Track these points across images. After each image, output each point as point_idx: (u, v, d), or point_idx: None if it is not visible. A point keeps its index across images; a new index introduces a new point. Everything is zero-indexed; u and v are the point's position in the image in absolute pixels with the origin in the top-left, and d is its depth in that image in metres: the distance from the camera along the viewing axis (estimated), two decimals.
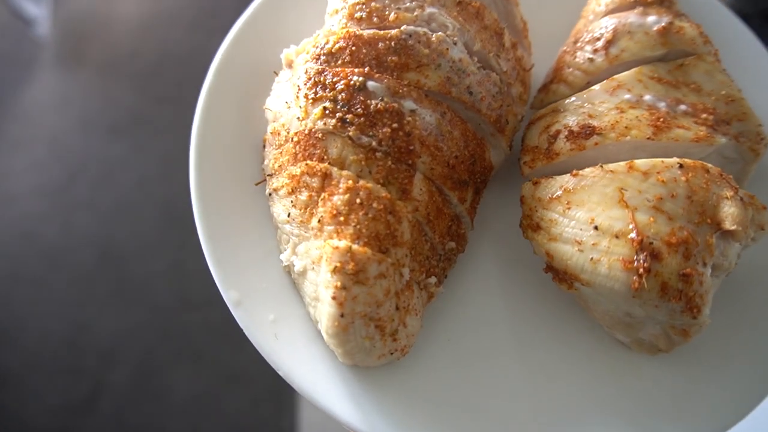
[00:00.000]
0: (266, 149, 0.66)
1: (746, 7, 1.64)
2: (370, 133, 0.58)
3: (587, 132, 0.60)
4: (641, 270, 0.51)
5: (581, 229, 0.55)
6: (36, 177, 2.40)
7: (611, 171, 0.56)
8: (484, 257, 0.67)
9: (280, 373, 0.57)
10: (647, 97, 0.61)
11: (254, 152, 0.69)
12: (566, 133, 0.61)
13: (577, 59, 0.67)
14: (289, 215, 0.60)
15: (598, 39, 0.66)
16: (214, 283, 0.60)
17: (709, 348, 0.60)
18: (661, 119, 0.59)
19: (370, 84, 0.59)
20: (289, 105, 0.63)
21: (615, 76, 0.63)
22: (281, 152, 0.62)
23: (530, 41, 0.71)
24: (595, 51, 0.66)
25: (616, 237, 0.53)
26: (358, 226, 0.55)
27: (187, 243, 2.25)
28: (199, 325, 2.15)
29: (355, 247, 0.54)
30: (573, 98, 0.64)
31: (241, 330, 0.58)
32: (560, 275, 0.58)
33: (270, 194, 0.64)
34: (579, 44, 0.68)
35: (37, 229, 2.31)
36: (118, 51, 2.63)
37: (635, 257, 0.51)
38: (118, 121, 2.47)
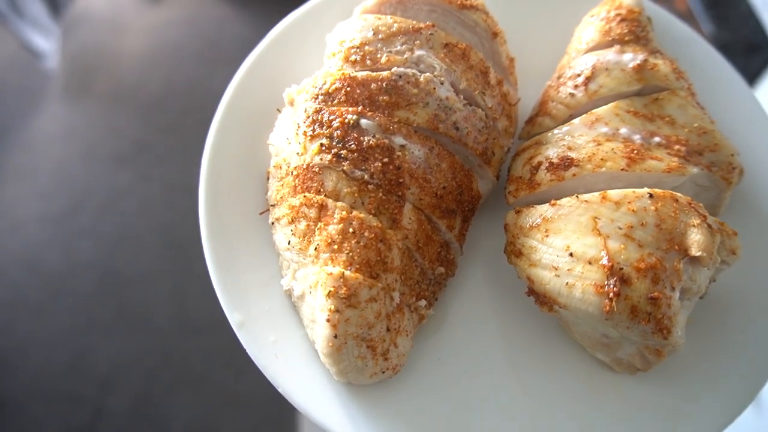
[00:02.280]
0: (270, 181, 0.71)
1: (727, 36, 1.68)
2: (363, 167, 0.63)
3: (566, 164, 0.64)
4: (611, 294, 0.55)
5: (558, 256, 0.59)
6: (40, 205, 2.43)
7: (586, 201, 0.60)
8: (474, 281, 0.71)
9: (279, 389, 0.61)
10: (623, 130, 0.65)
11: (260, 183, 0.74)
12: (547, 164, 0.65)
13: (560, 94, 0.72)
14: (289, 243, 0.65)
15: (579, 75, 0.71)
16: (215, 309, 0.65)
17: (686, 368, 0.63)
18: (635, 151, 0.63)
19: (363, 122, 0.64)
20: (289, 141, 0.68)
21: (594, 111, 0.67)
22: (282, 184, 0.67)
23: (516, 77, 0.76)
24: (576, 86, 0.70)
25: (590, 263, 0.57)
26: (350, 254, 0.60)
27: (188, 270, 2.29)
28: (200, 351, 2.15)
29: (347, 273, 0.58)
30: (555, 131, 0.69)
31: (242, 355, 0.63)
32: (541, 298, 0.62)
33: (272, 223, 0.69)
34: (562, 80, 0.73)
35: (39, 257, 2.32)
36: (123, 83, 2.68)
37: (606, 282, 0.55)
38: (123, 151, 2.52)
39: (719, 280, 0.66)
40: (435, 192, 0.65)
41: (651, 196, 0.59)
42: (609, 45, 0.72)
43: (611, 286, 0.55)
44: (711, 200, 0.68)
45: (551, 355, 0.66)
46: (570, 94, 0.71)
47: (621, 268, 0.55)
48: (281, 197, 0.67)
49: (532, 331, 0.67)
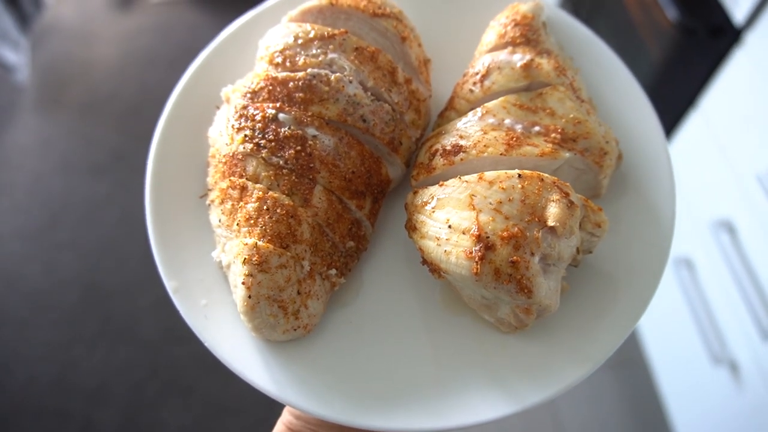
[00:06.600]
0: (208, 169, 0.82)
1: (692, 22, 1.73)
2: (279, 155, 0.73)
3: (456, 150, 0.74)
4: (477, 258, 0.64)
5: (440, 228, 0.69)
6: (17, 219, 2.38)
7: (466, 181, 0.69)
8: (385, 255, 0.80)
9: (206, 344, 0.71)
10: (507, 121, 0.75)
11: (202, 172, 0.84)
12: (441, 151, 0.75)
13: (463, 90, 0.82)
14: (219, 221, 0.75)
15: (477, 73, 0.80)
16: None
17: (561, 326, 0.73)
18: (515, 138, 0.73)
19: (281, 115, 0.74)
20: (221, 133, 0.78)
21: (485, 104, 0.77)
22: (215, 171, 0.78)
23: (428, 76, 0.85)
24: (474, 83, 0.80)
25: (463, 233, 0.66)
26: (264, 227, 0.70)
27: None
28: (187, 358, 2.11)
29: (260, 243, 0.69)
30: (456, 122, 0.78)
31: None
32: (430, 266, 0.71)
33: (209, 204, 0.79)
34: (465, 78, 0.82)
35: (20, 272, 2.26)
36: (97, 93, 2.65)
37: (473, 248, 0.65)
38: (99, 161, 2.49)
39: (598, 252, 0.76)
40: (344, 176, 0.75)
41: (520, 176, 0.68)
42: (504, 47, 0.81)
43: (477, 250, 0.64)
44: (590, 182, 0.77)
45: (447, 316, 0.76)
46: (470, 90, 0.80)
47: (488, 237, 0.65)
48: (215, 182, 0.78)
49: (433, 297, 0.77)
